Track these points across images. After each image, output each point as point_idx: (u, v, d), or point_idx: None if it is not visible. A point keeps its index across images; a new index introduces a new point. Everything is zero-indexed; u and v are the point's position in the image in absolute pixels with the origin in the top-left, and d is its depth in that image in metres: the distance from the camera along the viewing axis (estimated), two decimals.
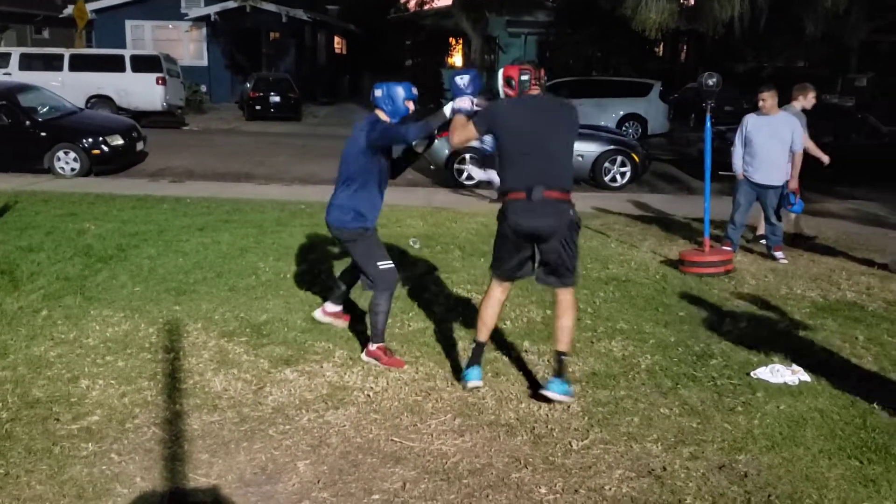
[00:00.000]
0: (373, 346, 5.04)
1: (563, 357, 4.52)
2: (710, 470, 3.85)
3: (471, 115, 4.50)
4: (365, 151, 4.79)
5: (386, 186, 5.04)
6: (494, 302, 4.63)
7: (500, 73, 4.55)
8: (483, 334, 4.66)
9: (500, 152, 4.50)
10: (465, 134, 4.50)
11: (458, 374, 4.90)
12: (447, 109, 4.63)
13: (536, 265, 4.52)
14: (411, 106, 4.93)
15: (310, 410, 4.37)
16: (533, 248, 4.44)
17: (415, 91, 4.94)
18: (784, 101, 8.02)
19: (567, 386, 4.47)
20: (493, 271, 4.65)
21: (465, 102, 4.51)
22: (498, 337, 5.55)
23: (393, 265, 4.98)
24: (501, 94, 4.53)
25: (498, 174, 4.33)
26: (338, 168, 4.95)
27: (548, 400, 4.44)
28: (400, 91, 4.87)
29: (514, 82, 4.44)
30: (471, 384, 4.60)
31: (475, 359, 4.67)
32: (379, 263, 4.91)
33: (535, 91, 4.49)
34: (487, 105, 4.63)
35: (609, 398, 4.63)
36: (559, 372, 4.50)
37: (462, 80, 4.56)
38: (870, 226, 10.39)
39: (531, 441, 4.11)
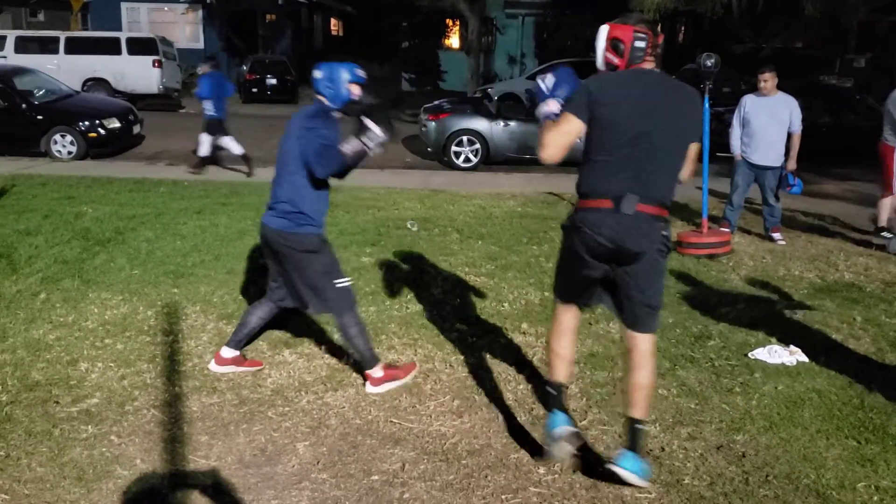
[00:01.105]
0: (376, 372, 4.37)
1: (638, 426, 3.47)
2: (708, 450, 3.86)
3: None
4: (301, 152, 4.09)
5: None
6: (566, 330, 3.64)
7: (604, 32, 3.40)
8: (560, 372, 3.66)
9: (588, 145, 3.38)
10: (559, 137, 3.36)
11: (455, 356, 4.91)
12: (539, 113, 3.58)
13: (612, 295, 3.56)
14: (356, 91, 4.13)
15: (309, 392, 4.38)
16: (607, 270, 3.44)
17: (361, 73, 4.18)
18: (782, 82, 7.99)
19: (643, 463, 3.45)
20: (554, 293, 3.71)
21: (551, 106, 3.48)
22: (496, 319, 5.56)
23: (350, 282, 4.38)
24: (600, 60, 3.42)
25: (582, 172, 3.45)
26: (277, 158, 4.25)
27: (617, 479, 3.43)
28: (343, 73, 4.12)
29: (623, 47, 3.32)
30: (558, 431, 3.58)
31: (556, 402, 3.68)
32: (338, 282, 4.22)
33: (650, 65, 3.38)
34: (591, 79, 3.40)
35: (607, 379, 4.64)
36: (633, 444, 3.46)
37: (545, 83, 3.55)
38: (867, 206, 10.36)
39: (529, 422, 4.12)
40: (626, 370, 3.54)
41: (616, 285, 3.45)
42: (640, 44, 3.32)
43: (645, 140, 3.25)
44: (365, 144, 4.03)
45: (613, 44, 3.36)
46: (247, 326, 4.53)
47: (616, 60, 3.36)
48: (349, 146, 4.02)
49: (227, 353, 4.56)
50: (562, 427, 3.59)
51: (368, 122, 4.04)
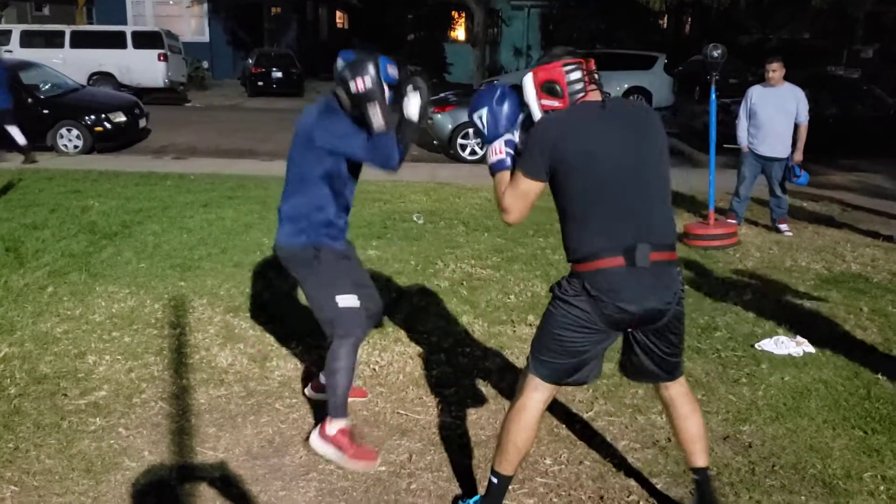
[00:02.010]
0: (332, 427, 3.61)
1: (709, 473, 3.20)
2: (714, 441, 3.86)
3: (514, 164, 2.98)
4: (313, 153, 3.62)
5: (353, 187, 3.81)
6: (533, 418, 3.00)
7: (529, 79, 2.93)
8: (510, 465, 3.07)
9: (564, 200, 2.88)
10: (520, 201, 2.93)
11: (461, 347, 4.91)
12: (488, 162, 3.06)
13: (627, 358, 3.11)
14: (360, 84, 3.42)
15: (312, 383, 4.39)
16: (618, 337, 3.00)
17: (393, 72, 3.52)
18: (789, 73, 7.96)
19: None
20: (536, 371, 2.98)
21: (498, 152, 3.00)
22: (502, 311, 5.57)
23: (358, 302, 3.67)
24: (536, 111, 2.93)
25: (566, 233, 2.95)
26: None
27: None
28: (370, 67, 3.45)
29: (559, 87, 2.85)
30: None
31: (497, 499, 3.14)
32: (339, 298, 3.60)
33: (595, 94, 2.90)
34: (538, 127, 2.89)
35: (613, 370, 4.61)
36: (710, 496, 3.17)
37: (482, 120, 3.01)
38: (875, 197, 10.35)
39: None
40: (675, 422, 3.16)
41: (635, 345, 3.00)
42: (576, 75, 2.86)
43: (630, 177, 2.80)
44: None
45: (546, 87, 2.88)
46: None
47: (555, 103, 2.88)
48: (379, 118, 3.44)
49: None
50: None
51: (370, 111, 3.42)
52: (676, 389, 3.11)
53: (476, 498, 3.25)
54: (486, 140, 3.03)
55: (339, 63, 3.53)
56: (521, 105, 3.01)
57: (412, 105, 3.51)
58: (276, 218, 3.85)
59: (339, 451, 3.57)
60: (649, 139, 2.89)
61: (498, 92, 3.00)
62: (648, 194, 2.85)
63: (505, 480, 3.11)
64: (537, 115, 2.93)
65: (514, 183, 2.90)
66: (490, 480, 3.13)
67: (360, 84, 3.40)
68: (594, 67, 2.93)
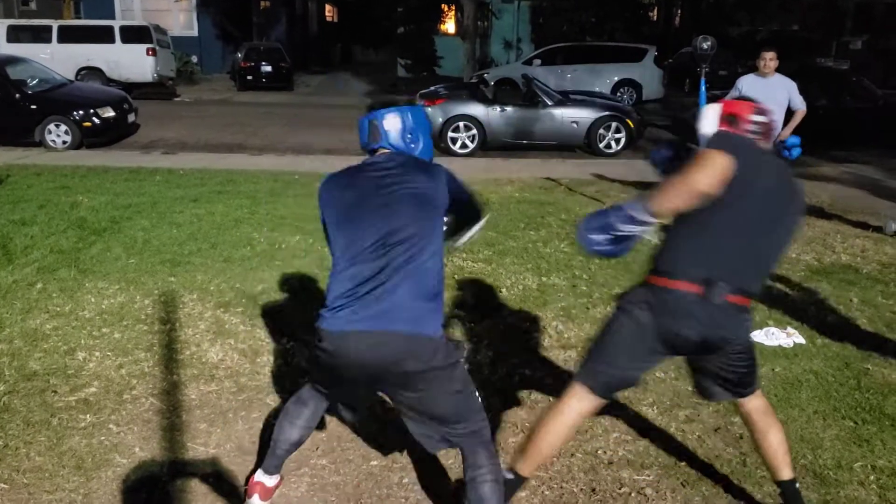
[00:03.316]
0: None
1: (795, 485, 3.17)
2: (705, 432, 3.87)
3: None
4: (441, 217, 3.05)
5: None
6: (565, 426, 3.00)
7: (715, 109, 3.04)
8: (528, 467, 3.10)
9: (702, 212, 2.72)
10: (709, 168, 2.66)
11: (450, 341, 4.90)
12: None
13: (701, 379, 3.12)
14: None
15: (307, 379, 4.38)
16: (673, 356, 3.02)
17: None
18: (779, 65, 7.95)
19: None
20: (586, 381, 2.99)
21: (637, 219, 2.72)
22: (494, 304, 5.57)
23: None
24: (706, 132, 2.98)
25: (668, 246, 2.92)
26: (402, 233, 2.84)
27: None
28: (424, 119, 3.12)
29: (740, 122, 2.93)
30: None
31: (506, 495, 3.02)
32: (478, 393, 2.98)
33: (765, 145, 3.01)
34: (722, 132, 2.94)
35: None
36: None
37: (602, 244, 2.87)
38: (864, 189, 10.39)
39: (527, 407, 4.13)
40: (754, 437, 3.16)
41: (712, 371, 3.01)
42: (763, 119, 2.96)
43: (764, 228, 2.81)
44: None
45: (729, 118, 2.96)
46: (286, 443, 3.18)
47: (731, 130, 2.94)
48: None
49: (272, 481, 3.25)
50: None
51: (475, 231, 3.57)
52: (752, 405, 3.09)
53: None
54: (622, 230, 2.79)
55: (395, 122, 2.99)
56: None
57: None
58: (405, 300, 2.79)
59: None
60: (795, 206, 2.92)
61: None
62: (767, 252, 2.89)
63: (519, 481, 3.12)
64: (705, 129, 2.98)
65: (702, 156, 2.69)
66: (505, 476, 3.06)
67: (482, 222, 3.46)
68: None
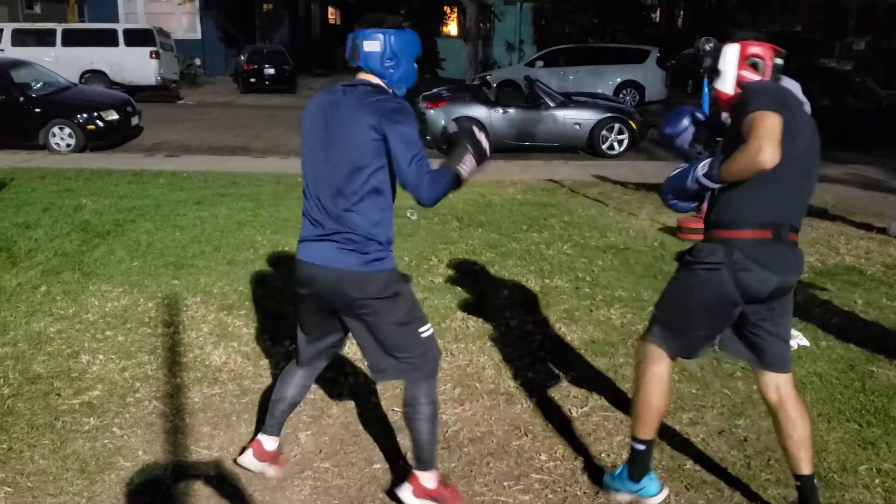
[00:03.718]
0: (427, 479, 3.22)
1: (815, 481, 3.15)
2: (709, 435, 3.86)
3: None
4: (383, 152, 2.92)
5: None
6: (665, 384, 3.14)
7: (734, 50, 3.07)
8: (650, 430, 3.19)
9: None
10: (770, 134, 2.70)
11: (455, 344, 4.90)
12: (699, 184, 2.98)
13: (738, 337, 3.16)
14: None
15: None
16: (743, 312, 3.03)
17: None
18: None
19: None
20: (663, 341, 3.13)
21: (704, 166, 2.94)
22: (496, 306, 5.56)
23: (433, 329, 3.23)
24: (730, 80, 3.07)
25: (730, 199, 2.96)
26: (326, 169, 3.00)
27: None
28: (410, 44, 3.11)
29: (764, 66, 3.02)
30: (660, 498, 3.25)
31: (644, 465, 3.24)
32: (422, 330, 3.13)
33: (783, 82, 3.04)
34: (756, 86, 2.98)
35: (608, 365, 4.64)
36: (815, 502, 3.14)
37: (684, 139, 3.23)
38: (868, 190, 10.38)
39: (531, 409, 4.13)
40: (782, 426, 3.11)
41: (762, 327, 3.06)
42: (779, 60, 3.06)
43: (809, 166, 3.00)
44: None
45: (752, 62, 3.03)
46: (283, 402, 3.43)
47: (754, 76, 3.02)
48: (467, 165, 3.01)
49: (270, 443, 3.48)
50: (660, 495, 3.25)
51: (468, 161, 3.03)
52: (787, 387, 3.11)
53: (623, 468, 3.30)
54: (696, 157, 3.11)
55: (374, 45, 3.01)
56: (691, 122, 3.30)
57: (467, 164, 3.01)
58: (316, 232, 3.03)
59: (436, 501, 3.21)
60: (817, 141, 3.03)
61: (686, 113, 3.32)
62: (810, 187, 3.05)
63: (650, 444, 3.21)
64: (730, 85, 3.04)
65: (760, 124, 2.72)
66: (634, 448, 3.21)
67: (485, 142, 3.09)
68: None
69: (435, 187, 2.90)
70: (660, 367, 3.13)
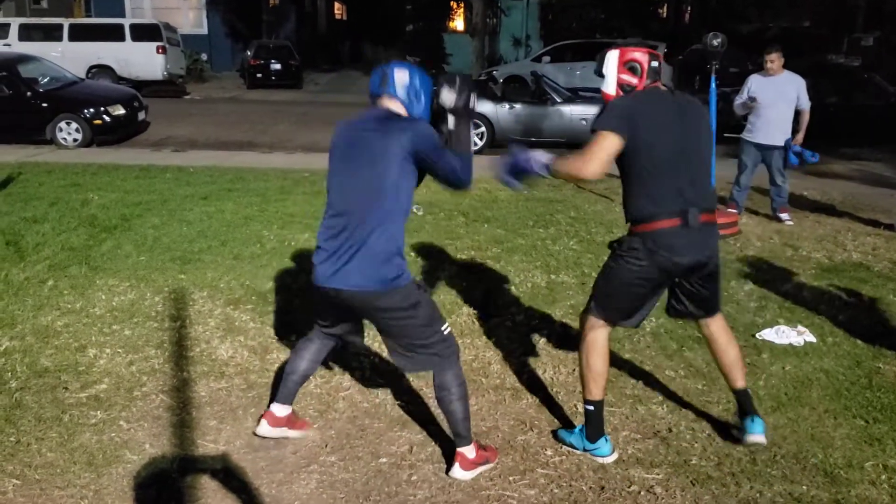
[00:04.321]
0: (469, 451, 3.45)
1: (749, 391, 3.73)
2: (715, 430, 3.86)
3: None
4: (412, 172, 3.23)
5: None
6: (602, 348, 3.57)
7: (614, 56, 3.43)
8: (597, 391, 3.58)
9: (633, 168, 3.38)
10: (597, 151, 3.32)
11: (461, 339, 4.91)
12: (535, 166, 3.49)
13: (677, 301, 3.67)
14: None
15: (316, 376, 4.38)
16: (672, 286, 3.61)
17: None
18: (789, 62, 7.93)
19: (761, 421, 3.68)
20: (599, 312, 3.56)
21: (538, 160, 3.49)
22: (502, 302, 5.56)
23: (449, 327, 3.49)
24: (612, 84, 3.44)
25: (631, 198, 3.46)
26: (351, 191, 3.23)
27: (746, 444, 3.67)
28: (429, 85, 3.39)
29: (640, 68, 3.39)
30: (610, 460, 3.61)
31: (598, 425, 3.61)
32: (444, 327, 3.39)
33: (659, 85, 3.48)
34: (612, 102, 3.43)
35: (614, 361, 4.63)
36: (752, 408, 3.67)
37: (516, 177, 3.59)
38: (876, 186, 10.34)
39: (536, 404, 4.13)
40: (717, 353, 3.69)
41: (692, 293, 3.58)
42: (656, 63, 3.43)
43: (691, 154, 3.39)
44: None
45: (629, 66, 3.40)
46: (296, 373, 3.66)
47: (633, 80, 3.40)
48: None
49: (281, 410, 3.71)
50: (612, 456, 3.61)
51: (466, 130, 3.35)
52: (717, 325, 3.67)
53: (580, 428, 3.68)
54: (529, 171, 3.53)
55: (403, 75, 3.32)
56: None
57: (469, 137, 3.37)
58: (335, 249, 3.21)
59: (486, 464, 3.51)
60: (702, 126, 3.53)
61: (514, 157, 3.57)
62: (704, 170, 3.49)
63: (599, 405, 3.60)
64: (612, 87, 3.44)
65: (592, 142, 3.31)
66: (587, 410, 3.61)
67: (473, 101, 3.33)
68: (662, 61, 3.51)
69: (465, 173, 3.28)
70: (598, 333, 3.57)
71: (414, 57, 25.92)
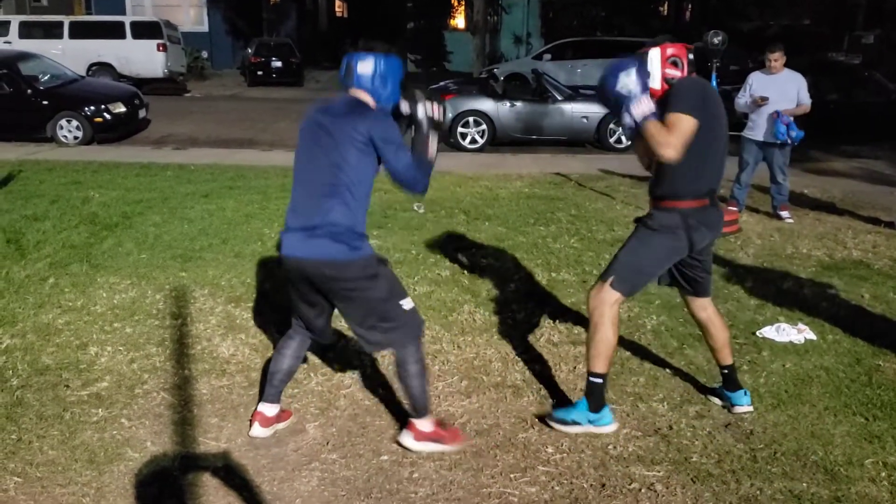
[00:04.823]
0: (423, 425, 3.65)
1: (732, 367, 4.04)
2: (716, 428, 3.87)
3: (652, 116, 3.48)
4: (370, 157, 3.33)
5: None
6: (616, 321, 3.74)
7: (657, 53, 3.57)
8: (606, 364, 3.75)
9: (689, 147, 3.46)
10: (680, 134, 3.40)
11: (462, 336, 4.91)
12: (627, 119, 3.48)
13: (677, 276, 3.92)
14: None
15: (318, 374, 4.40)
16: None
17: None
18: (789, 60, 7.92)
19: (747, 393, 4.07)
20: (622, 285, 3.69)
21: (645, 105, 3.43)
22: (503, 300, 5.57)
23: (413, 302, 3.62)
24: (657, 78, 3.57)
25: (673, 175, 3.60)
26: (313, 170, 3.37)
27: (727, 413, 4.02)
28: (396, 68, 3.47)
29: (682, 63, 3.58)
30: (612, 429, 3.82)
31: (601, 397, 3.80)
32: (403, 302, 3.51)
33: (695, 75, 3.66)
34: (680, 86, 3.54)
35: (615, 359, 4.63)
36: (738, 382, 4.06)
37: (630, 75, 3.43)
38: (876, 184, 10.35)
39: (537, 402, 4.13)
40: (711, 334, 3.99)
41: (693, 269, 3.87)
42: (691, 56, 3.62)
43: (725, 139, 3.71)
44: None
45: (673, 61, 3.58)
46: (280, 373, 3.76)
47: (676, 73, 3.59)
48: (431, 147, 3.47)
49: (271, 410, 3.81)
50: (613, 425, 3.83)
51: (430, 139, 3.46)
52: (711, 307, 3.99)
53: (581, 402, 3.81)
54: (630, 100, 3.44)
55: (366, 66, 3.39)
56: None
57: (433, 145, 3.48)
58: (300, 225, 3.37)
59: (438, 443, 3.64)
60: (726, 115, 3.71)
61: (636, 62, 3.50)
62: (724, 156, 3.74)
63: (606, 377, 3.78)
64: (658, 82, 3.58)
65: (677, 125, 3.41)
66: (593, 383, 3.76)
67: (438, 112, 3.45)
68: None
69: (419, 179, 3.39)
70: (615, 309, 3.72)
71: (414, 55, 26.01)
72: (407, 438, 3.65)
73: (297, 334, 3.75)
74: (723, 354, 4.02)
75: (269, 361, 4.47)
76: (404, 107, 3.44)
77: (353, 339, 4.78)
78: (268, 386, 3.76)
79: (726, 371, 4.05)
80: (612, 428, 3.80)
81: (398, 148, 3.30)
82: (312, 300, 3.54)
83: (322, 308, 3.59)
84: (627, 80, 3.43)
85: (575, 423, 3.78)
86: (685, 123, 3.41)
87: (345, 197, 3.31)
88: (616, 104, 3.51)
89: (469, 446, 3.70)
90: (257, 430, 3.77)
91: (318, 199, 3.33)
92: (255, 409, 3.83)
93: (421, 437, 3.63)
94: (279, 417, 3.84)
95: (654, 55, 3.58)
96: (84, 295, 5.52)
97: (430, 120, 3.43)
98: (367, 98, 3.41)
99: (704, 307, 3.97)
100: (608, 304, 3.69)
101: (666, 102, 3.49)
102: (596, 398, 3.76)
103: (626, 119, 3.49)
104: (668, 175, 3.63)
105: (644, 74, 3.47)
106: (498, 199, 8.89)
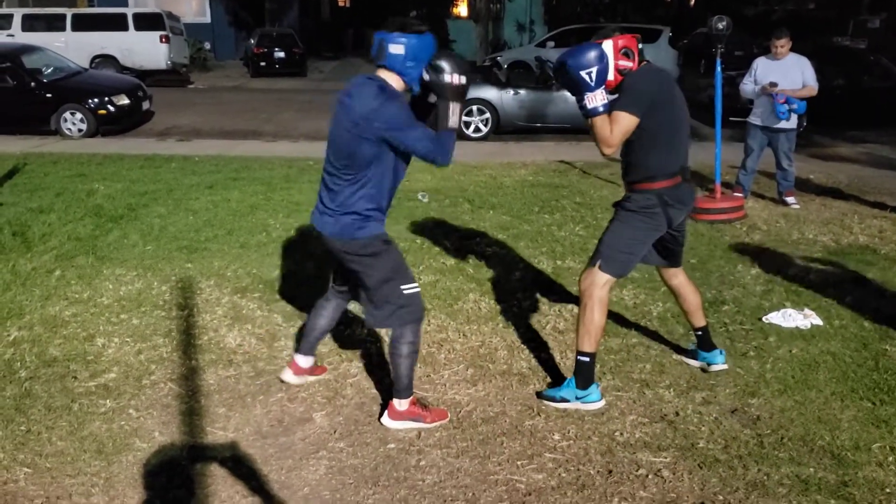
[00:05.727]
0: (400, 404, 3.77)
1: (705, 328, 4.31)
2: (722, 414, 3.87)
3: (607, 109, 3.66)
4: (379, 144, 3.39)
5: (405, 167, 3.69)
6: (606, 303, 3.88)
7: (609, 45, 3.63)
8: (594, 344, 3.87)
9: (650, 133, 3.70)
10: (620, 132, 3.65)
11: (468, 325, 4.92)
12: (581, 108, 3.68)
13: (654, 250, 4.10)
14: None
15: (324, 363, 4.40)
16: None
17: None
18: (794, 44, 7.88)
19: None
20: (610, 268, 3.84)
21: (598, 99, 3.60)
22: (508, 288, 5.57)
23: (419, 288, 3.75)
24: (610, 71, 3.64)
25: (643, 159, 3.80)
26: (328, 154, 3.55)
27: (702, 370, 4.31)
28: (429, 48, 3.41)
29: (633, 53, 3.68)
30: (599, 405, 3.94)
31: (590, 375, 3.93)
32: (405, 286, 3.62)
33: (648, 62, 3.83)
34: (631, 81, 3.67)
35: (621, 346, 4.65)
36: (712, 341, 4.34)
37: (591, 73, 3.54)
38: (882, 169, 10.30)
39: (543, 388, 4.14)
40: (684, 299, 4.24)
41: (672, 243, 4.07)
42: (640, 46, 3.75)
43: (685, 120, 3.86)
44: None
45: (625, 52, 3.67)
46: (316, 329, 4.06)
47: (629, 64, 3.69)
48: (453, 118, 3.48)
49: (304, 361, 4.12)
50: (601, 402, 3.96)
51: (451, 108, 3.47)
52: (682, 276, 4.24)
53: (570, 380, 3.95)
54: (588, 89, 3.59)
55: (399, 48, 3.34)
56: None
57: (454, 115, 3.48)
58: (321, 202, 3.59)
59: (416, 421, 3.77)
60: (682, 96, 3.87)
61: (600, 52, 3.57)
62: (687, 132, 3.90)
63: (594, 356, 3.90)
64: (611, 72, 3.66)
65: (617, 120, 3.63)
66: (581, 361, 3.89)
67: (458, 80, 3.41)
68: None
69: (440, 151, 3.43)
70: (605, 290, 3.85)
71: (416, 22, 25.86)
72: (385, 418, 3.79)
73: (335, 297, 4.01)
74: (696, 317, 4.27)
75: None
76: (426, 75, 3.42)
77: (358, 328, 4.80)
78: (303, 340, 4.07)
79: (700, 332, 4.30)
80: (599, 405, 3.93)
81: (406, 129, 3.34)
82: (340, 269, 3.85)
83: (348, 278, 3.85)
84: (588, 69, 3.55)
85: (563, 399, 3.93)
86: (626, 122, 3.63)
87: (349, 179, 3.45)
88: (576, 89, 3.66)
89: (475, 434, 3.71)
90: (288, 376, 4.11)
91: (331, 178, 3.52)
92: (292, 358, 4.14)
93: (396, 415, 3.76)
94: (312, 371, 4.17)
95: (607, 47, 3.64)
96: (90, 287, 5.54)
97: (453, 88, 3.41)
98: (394, 79, 3.42)
99: (676, 275, 4.24)
100: (598, 286, 3.83)
101: (618, 94, 3.71)
102: (584, 376, 3.90)
103: (581, 108, 3.70)
104: (640, 161, 3.83)
105: (604, 64, 3.58)
106: (502, 187, 8.88)
